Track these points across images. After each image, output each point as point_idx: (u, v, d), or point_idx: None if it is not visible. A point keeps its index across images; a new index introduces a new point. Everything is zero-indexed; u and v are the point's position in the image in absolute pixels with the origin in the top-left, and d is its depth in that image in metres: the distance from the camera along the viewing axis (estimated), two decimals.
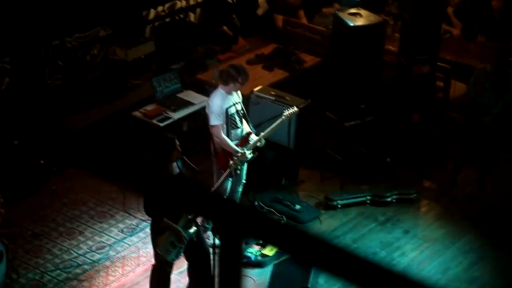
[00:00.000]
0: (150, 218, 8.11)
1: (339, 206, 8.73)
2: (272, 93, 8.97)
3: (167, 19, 10.67)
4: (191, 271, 7.21)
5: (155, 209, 6.64)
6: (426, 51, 9.22)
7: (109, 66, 9.82)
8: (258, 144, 7.80)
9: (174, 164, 6.72)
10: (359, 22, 8.64)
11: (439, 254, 8.08)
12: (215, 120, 7.69)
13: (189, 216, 6.78)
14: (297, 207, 8.61)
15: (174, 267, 7.08)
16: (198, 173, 6.79)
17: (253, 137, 7.84)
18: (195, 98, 9.28)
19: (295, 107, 7.94)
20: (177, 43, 10.02)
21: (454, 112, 9.70)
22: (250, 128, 7.97)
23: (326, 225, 8.49)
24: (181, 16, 10.91)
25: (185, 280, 7.39)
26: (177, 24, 10.58)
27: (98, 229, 8.27)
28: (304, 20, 11.47)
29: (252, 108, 8.80)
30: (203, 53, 10.72)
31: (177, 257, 6.80)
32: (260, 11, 11.67)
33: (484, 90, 8.60)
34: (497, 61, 8.63)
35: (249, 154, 7.72)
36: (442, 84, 9.92)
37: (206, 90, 9.71)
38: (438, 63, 9.52)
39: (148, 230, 8.11)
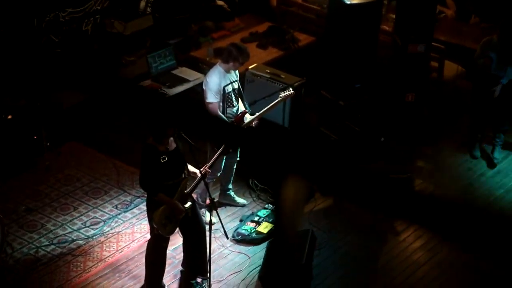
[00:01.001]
0: (145, 194, 8.16)
1: (332, 185, 8.74)
2: (267, 71, 8.95)
3: None
4: (186, 247, 7.21)
5: (151, 183, 6.62)
6: (420, 31, 9.21)
7: (105, 39, 9.75)
8: (253, 123, 7.79)
9: (171, 139, 6.70)
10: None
11: None
12: (212, 97, 7.67)
13: (185, 191, 6.78)
14: None
15: (169, 244, 7.07)
16: (194, 147, 6.76)
17: (248, 116, 7.82)
18: (190, 75, 9.26)
19: (291, 89, 7.90)
20: (175, 18, 9.95)
21: (464, 80, 9.82)
22: (245, 107, 7.95)
23: (320, 204, 8.51)
24: None
25: (180, 256, 7.40)
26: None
27: (92, 205, 8.24)
28: None
29: (247, 86, 8.79)
30: (197, 31, 10.68)
31: (172, 231, 6.79)
32: None
33: (491, 61, 8.68)
34: (502, 32, 8.69)
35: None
36: (436, 64, 9.95)
37: (200, 67, 9.70)
38: (433, 43, 9.52)
39: (142, 206, 8.17)
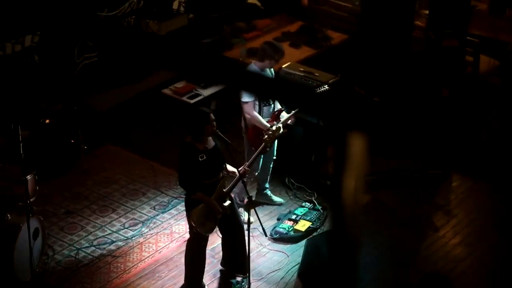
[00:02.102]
0: (182, 195, 8.21)
1: (369, 182, 8.70)
2: (301, 69, 8.94)
3: None
4: (225, 246, 7.23)
5: (190, 181, 6.65)
6: (454, 25, 9.15)
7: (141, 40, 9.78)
8: (289, 121, 7.78)
9: (210, 138, 6.72)
10: None
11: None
12: (247, 97, 7.68)
13: (224, 189, 6.80)
14: (328, 183, 8.60)
15: (208, 243, 7.10)
16: (232, 147, 6.78)
17: (284, 114, 7.82)
18: None
19: (326, 86, 7.89)
20: (208, 17, 9.99)
21: (493, 77, 9.69)
22: (281, 106, 7.94)
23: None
24: None
25: (218, 255, 7.42)
26: None
27: (130, 207, 8.30)
28: None
29: None
30: (229, 32, 10.70)
31: (211, 230, 6.81)
32: None
33: None
34: None
35: (280, 131, 7.68)
36: (471, 58, 9.87)
37: None
38: (467, 37, 9.44)
39: (179, 207, 8.21)
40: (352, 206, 2.83)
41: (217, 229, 7.07)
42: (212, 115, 6.66)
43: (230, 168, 6.88)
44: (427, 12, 9.90)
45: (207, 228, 6.75)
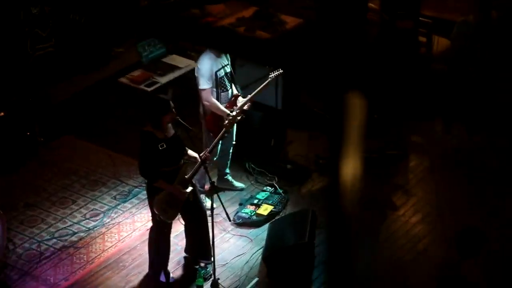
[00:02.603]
0: (142, 183, 8.17)
1: (328, 165, 8.75)
2: None
3: None
4: (188, 232, 7.23)
5: (150, 170, 6.62)
6: (407, 6, 9.24)
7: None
8: (246, 106, 7.79)
9: (170, 125, 6.70)
10: None
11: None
12: (205, 83, 7.66)
13: (185, 176, 6.78)
14: (288, 166, 8.65)
15: (172, 231, 7.07)
16: (193, 133, 6.77)
17: (241, 99, 7.82)
18: (181, 62, 9.26)
19: (280, 69, 7.91)
20: (163, 3, 9.91)
21: (440, 64, 9.76)
22: (238, 91, 7.95)
23: (318, 184, 8.54)
24: None
25: (182, 242, 7.41)
26: None
27: (91, 197, 8.24)
28: None
29: (238, 70, 8.77)
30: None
31: (174, 216, 6.79)
32: None
33: (467, 41, 8.66)
34: (479, 13, 8.67)
35: (239, 116, 7.69)
36: (425, 39, 9.98)
37: (188, 55, 9.70)
38: (420, 18, 9.55)
39: (140, 196, 8.18)
40: (351, 190, 2.82)
41: (179, 216, 7.05)
42: (171, 103, 6.63)
43: (191, 153, 6.87)
44: None
45: (169, 215, 6.73)
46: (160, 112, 6.54)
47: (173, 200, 6.69)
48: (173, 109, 6.60)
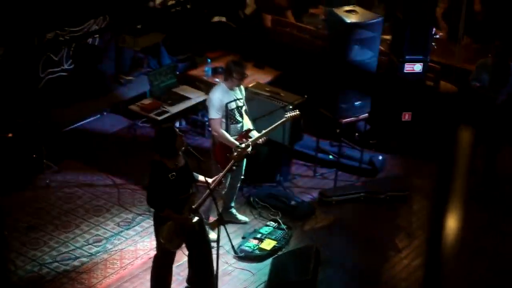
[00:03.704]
0: (146, 212, 8.18)
1: (333, 202, 8.79)
2: (267, 89, 9.01)
3: (173, 10, 10.62)
4: (191, 263, 7.18)
5: (158, 200, 6.60)
6: (417, 51, 9.36)
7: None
8: (260, 140, 7.80)
9: (180, 155, 6.69)
10: (356, 19, 8.71)
11: None
12: (214, 113, 7.70)
13: (192, 206, 6.77)
14: (293, 203, 8.66)
15: (174, 261, 7.04)
16: (203, 162, 6.77)
17: (254, 133, 7.85)
18: (191, 93, 9.31)
19: (297, 110, 7.94)
20: (184, 33, 10.03)
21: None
22: (252, 125, 7.97)
23: (321, 221, 8.55)
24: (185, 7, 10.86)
25: (184, 273, 7.37)
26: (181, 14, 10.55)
27: (94, 223, 8.21)
28: (292, 20, 11.56)
29: (247, 104, 8.83)
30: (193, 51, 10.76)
31: (179, 245, 6.76)
32: (248, 11, 11.73)
33: (485, 82, 8.82)
34: (496, 58, 8.85)
35: (248, 149, 7.68)
36: (432, 83, 10.08)
37: (197, 86, 9.76)
38: (429, 63, 9.66)
39: (144, 224, 8.18)
40: (453, 246, 2.72)
41: (183, 246, 7.02)
42: (177, 130, 6.65)
43: (201, 178, 6.83)
44: (389, 37, 10.10)
45: (175, 244, 6.70)
46: (169, 140, 6.54)
47: (180, 229, 6.67)
48: (181, 137, 6.60)
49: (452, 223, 2.65)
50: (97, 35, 9.81)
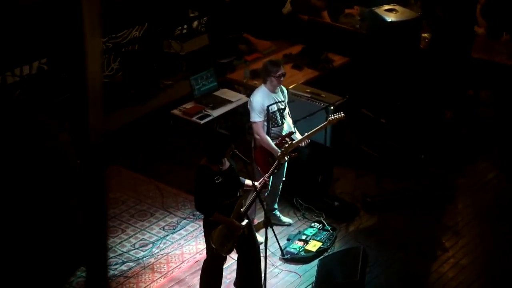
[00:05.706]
0: (190, 215, 8.22)
1: (377, 203, 8.74)
2: (307, 90, 9.00)
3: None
4: (240, 265, 7.20)
5: (206, 204, 6.62)
6: (457, 48, 9.29)
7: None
8: (302, 143, 7.79)
9: (225, 159, 6.71)
10: (396, 17, 8.67)
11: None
12: (256, 117, 7.70)
13: (241, 209, 6.78)
14: (336, 203, 8.63)
15: None
16: (249, 165, 6.78)
17: (298, 136, 7.83)
18: (232, 96, 9.33)
19: (341, 113, 7.89)
20: (227, 37, 10.07)
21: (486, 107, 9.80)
22: (294, 129, 7.96)
23: (366, 222, 8.51)
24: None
25: (231, 275, 7.40)
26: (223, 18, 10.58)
27: (140, 227, 8.26)
28: (328, 21, 11.53)
29: (289, 106, 8.82)
30: (246, 51, 10.80)
31: (231, 250, 6.79)
32: (285, 10, 11.72)
33: None
34: None
35: (289, 149, 7.65)
36: None
37: (236, 89, 9.78)
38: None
39: (189, 228, 8.22)
40: None
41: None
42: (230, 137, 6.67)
43: (247, 182, 6.85)
44: (427, 35, 10.05)
45: (226, 248, 6.72)
46: (223, 147, 6.56)
47: (230, 233, 6.69)
48: (232, 144, 6.63)
49: None
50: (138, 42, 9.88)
